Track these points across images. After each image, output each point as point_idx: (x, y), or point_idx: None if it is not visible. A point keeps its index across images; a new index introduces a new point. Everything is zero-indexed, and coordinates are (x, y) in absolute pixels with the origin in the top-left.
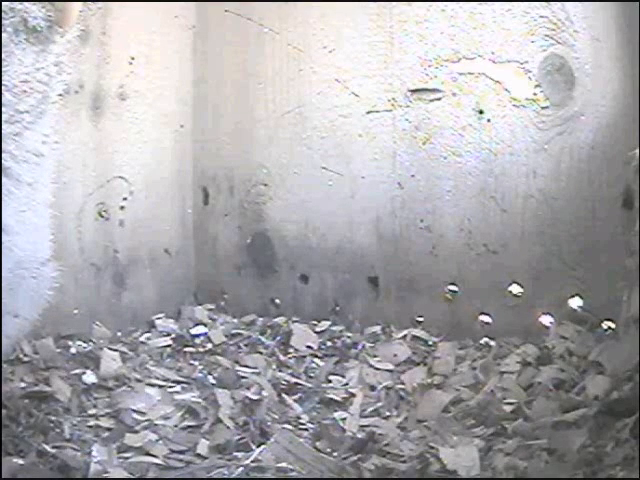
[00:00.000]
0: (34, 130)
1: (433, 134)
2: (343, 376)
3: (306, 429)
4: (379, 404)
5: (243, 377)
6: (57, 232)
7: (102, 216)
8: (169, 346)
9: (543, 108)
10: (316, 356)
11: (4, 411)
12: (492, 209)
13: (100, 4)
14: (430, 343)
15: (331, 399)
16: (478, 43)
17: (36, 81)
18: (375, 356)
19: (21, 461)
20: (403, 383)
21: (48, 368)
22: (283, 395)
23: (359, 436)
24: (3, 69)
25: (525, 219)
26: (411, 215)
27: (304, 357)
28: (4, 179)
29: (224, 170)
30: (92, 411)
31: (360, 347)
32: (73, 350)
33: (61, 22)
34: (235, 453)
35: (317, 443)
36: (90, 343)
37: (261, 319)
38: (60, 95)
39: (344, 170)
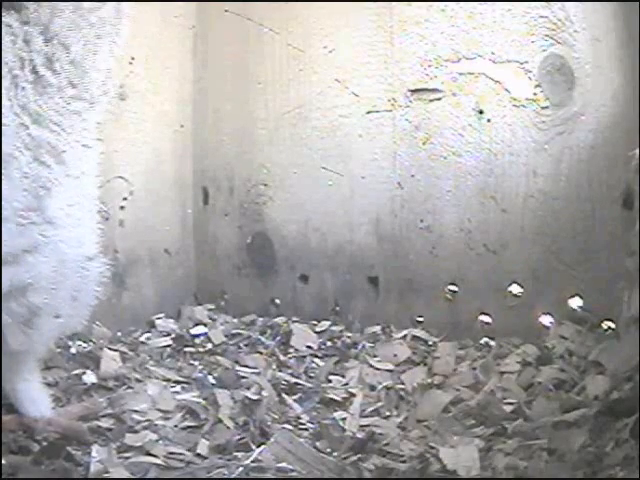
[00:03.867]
0: (86, 120)
1: (433, 134)
2: (343, 376)
3: (306, 429)
4: (379, 404)
5: (243, 377)
6: None
7: (102, 216)
8: (169, 346)
9: (543, 108)
10: (316, 356)
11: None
12: (492, 209)
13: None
14: (430, 343)
15: (331, 399)
16: (478, 43)
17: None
18: (375, 356)
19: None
20: (403, 383)
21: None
22: (283, 395)
23: (359, 436)
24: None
25: (525, 219)
26: (411, 215)
27: (304, 357)
28: (58, 167)
29: (224, 170)
30: None
31: (360, 347)
32: (73, 350)
33: None
34: (235, 453)
35: (317, 443)
36: (90, 343)
37: (261, 319)
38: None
39: (344, 170)
